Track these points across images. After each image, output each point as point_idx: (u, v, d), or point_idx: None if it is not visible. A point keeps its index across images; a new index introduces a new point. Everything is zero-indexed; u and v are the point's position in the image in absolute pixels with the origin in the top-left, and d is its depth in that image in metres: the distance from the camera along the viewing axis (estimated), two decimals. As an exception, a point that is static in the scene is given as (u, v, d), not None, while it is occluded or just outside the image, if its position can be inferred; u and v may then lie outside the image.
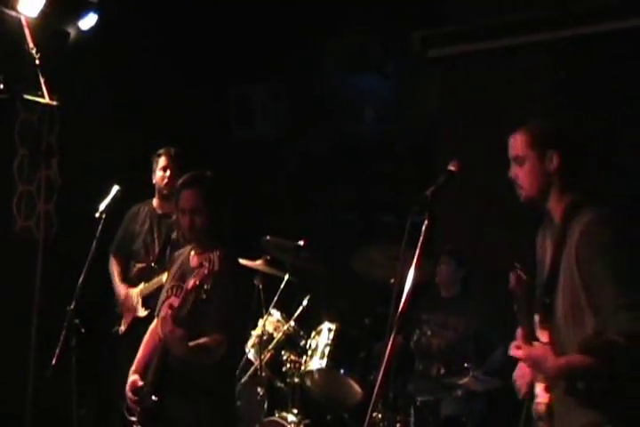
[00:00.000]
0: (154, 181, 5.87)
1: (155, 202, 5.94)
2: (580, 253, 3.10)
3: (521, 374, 3.37)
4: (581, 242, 3.10)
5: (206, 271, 3.95)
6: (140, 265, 5.83)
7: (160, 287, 5.45)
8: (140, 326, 5.67)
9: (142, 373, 4.24)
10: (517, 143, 3.32)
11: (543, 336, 3.15)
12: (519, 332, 3.23)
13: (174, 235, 5.36)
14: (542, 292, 3.22)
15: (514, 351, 3.21)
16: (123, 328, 5.78)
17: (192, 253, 4.32)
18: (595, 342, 3.04)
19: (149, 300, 5.63)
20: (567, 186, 3.27)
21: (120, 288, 5.85)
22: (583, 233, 3.11)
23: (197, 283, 3.91)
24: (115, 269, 5.94)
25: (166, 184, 5.76)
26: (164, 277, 5.34)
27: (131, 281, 5.83)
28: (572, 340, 3.10)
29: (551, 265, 3.22)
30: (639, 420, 3.16)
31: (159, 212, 5.87)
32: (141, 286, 5.72)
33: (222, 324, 4.03)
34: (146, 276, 5.73)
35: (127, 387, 4.20)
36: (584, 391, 3.09)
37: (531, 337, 3.17)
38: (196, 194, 4.17)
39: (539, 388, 3.20)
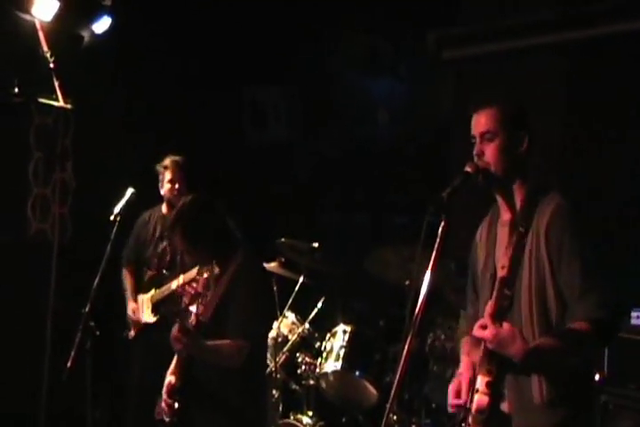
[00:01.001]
0: (162, 192, 5.93)
1: (164, 209, 5.97)
2: (551, 235, 3.04)
3: (455, 385, 3.31)
4: (552, 224, 3.05)
5: (192, 292, 4.11)
6: (151, 273, 5.88)
7: (171, 294, 5.50)
8: (150, 331, 5.72)
9: (178, 375, 4.28)
10: (487, 119, 3.19)
11: (507, 325, 3.01)
12: (488, 309, 3.05)
13: None
14: (503, 283, 3.07)
15: (477, 332, 3.03)
16: (132, 333, 5.84)
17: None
18: (562, 328, 3.00)
19: (160, 306, 5.69)
20: (530, 169, 3.22)
21: (131, 303, 5.89)
22: (553, 215, 3.06)
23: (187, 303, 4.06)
24: (128, 281, 5.99)
25: (176, 196, 5.78)
26: (175, 283, 5.40)
27: (143, 289, 5.89)
28: (535, 330, 3.05)
29: (512, 255, 3.09)
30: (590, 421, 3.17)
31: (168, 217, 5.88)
32: (152, 292, 5.79)
33: (243, 329, 4.06)
34: (157, 282, 5.78)
35: (164, 388, 4.24)
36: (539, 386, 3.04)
37: (500, 316, 3.02)
38: (179, 237, 4.23)
39: (481, 382, 3.06)
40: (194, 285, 4.26)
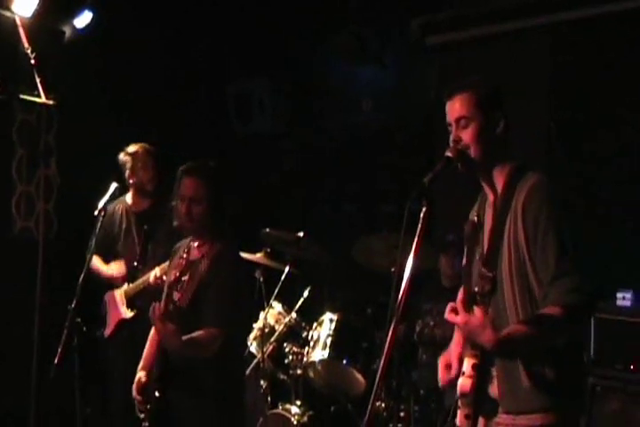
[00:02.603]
0: (130, 180, 5.80)
1: (129, 200, 5.88)
2: (527, 211, 3.00)
3: (444, 359, 3.31)
4: (528, 200, 3.01)
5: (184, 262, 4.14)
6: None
7: (146, 287, 5.44)
8: (126, 327, 5.65)
9: (149, 369, 4.26)
10: (462, 103, 3.15)
11: (478, 311, 2.95)
12: (459, 294, 3.06)
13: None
14: (482, 264, 3.06)
15: (449, 316, 2.98)
16: (108, 331, 5.74)
17: (193, 244, 4.30)
18: (534, 314, 2.97)
19: (135, 301, 5.63)
20: (508, 152, 3.19)
21: (106, 267, 5.76)
22: (530, 193, 3.02)
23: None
24: (97, 261, 5.79)
25: (147, 184, 5.74)
26: (152, 275, 5.34)
27: (116, 283, 5.78)
28: (519, 311, 3.02)
29: (491, 236, 3.11)
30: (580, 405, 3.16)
31: (134, 210, 5.82)
32: (125, 286, 5.68)
33: (217, 317, 4.02)
34: (130, 277, 5.68)
35: (134, 385, 4.21)
36: (527, 370, 3.02)
37: (471, 302, 2.98)
38: (196, 182, 4.14)
39: (467, 364, 3.04)
40: (184, 255, 4.22)
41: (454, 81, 3.27)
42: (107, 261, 5.82)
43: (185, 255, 4.28)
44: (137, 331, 5.48)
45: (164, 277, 5.01)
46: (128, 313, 5.64)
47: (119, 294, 5.71)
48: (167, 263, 5.02)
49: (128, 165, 5.79)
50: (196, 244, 4.28)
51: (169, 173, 4.60)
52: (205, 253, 4.19)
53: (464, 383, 3.05)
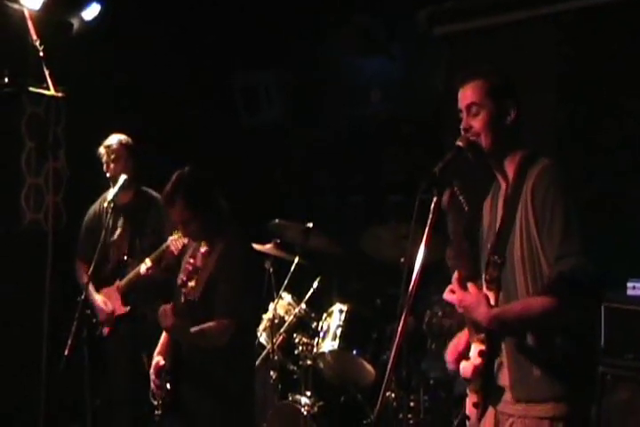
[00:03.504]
0: (108, 174, 5.75)
1: (111, 194, 5.73)
2: (535, 193, 2.99)
3: (454, 343, 3.31)
4: (537, 183, 3.00)
5: (190, 268, 4.10)
6: (111, 264, 5.75)
7: (138, 279, 5.44)
8: (124, 322, 5.65)
9: (165, 355, 4.29)
10: (473, 91, 3.14)
11: (490, 297, 3.00)
12: (455, 274, 3.06)
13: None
14: (492, 251, 3.09)
15: (448, 295, 3.05)
16: (106, 330, 5.71)
17: (199, 246, 4.35)
18: (532, 296, 2.98)
19: (129, 295, 5.64)
20: (520, 140, 3.18)
21: (96, 296, 5.70)
22: (539, 175, 3.01)
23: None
24: (84, 275, 5.66)
25: (121, 173, 5.63)
26: (143, 266, 5.35)
27: (106, 280, 5.74)
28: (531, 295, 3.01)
29: (503, 221, 3.11)
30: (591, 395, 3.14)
31: (117, 203, 5.65)
32: (117, 282, 5.67)
33: (227, 308, 4.07)
34: (119, 273, 5.68)
35: (152, 369, 4.26)
36: (538, 358, 3.01)
37: (466, 280, 3.02)
38: (178, 208, 4.18)
39: (473, 350, 3.07)
40: (190, 261, 4.24)
41: (466, 69, 3.26)
42: (97, 262, 5.49)
43: (192, 260, 4.33)
44: (134, 325, 5.51)
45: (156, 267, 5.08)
46: (123, 309, 5.64)
47: (112, 290, 5.68)
48: (157, 252, 5.11)
49: (104, 159, 5.75)
50: (202, 245, 4.33)
51: (176, 166, 4.63)
52: (212, 249, 4.24)
53: (466, 368, 3.08)
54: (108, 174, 5.76)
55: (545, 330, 3.00)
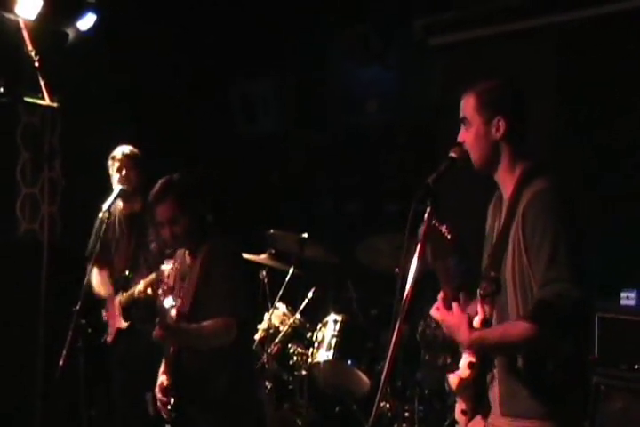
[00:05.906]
0: (114, 184, 5.68)
1: (121, 204, 5.77)
2: (527, 218, 2.96)
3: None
4: (529, 207, 2.96)
5: (165, 288, 4.19)
6: (116, 275, 5.72)
7: (140, 296, 5.42)
8: (123, 337, 5.63)
9: (168, 374, 4.29)
10: (465, 105, 3.14)
11: (482, 312, 2.97)
12: (441, 294, 3.06)
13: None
14: (488, 265, 3.09)
15: (433, 312, 3.06)
16: (110, 338, 5.69)
17: (186, 252, 4.37)
18: (513, 320, 2.97)
19: (129, 310, 5.59)
20: (517, 155, 3.12)
21: (106, 307, 5.70)
22: (532, 199, 2.96)
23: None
24: (102, 281, 5.69)
25: (125, 183, 5.58)
26: (137, 289, 5.33)
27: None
28: (520, 313, 2.98)
29: (498, 238, 3.09)
30: (582, 413, 3.10)
31: (125, 213, 5.72)
32: (120, 296, 5.63)
33: (226, 306, 4.07)
34: (122, 284, 5.63)
35: (157, 388, 4.26)
36: (528, 374, 3.00)
37: (450, 300, 3.02)
38: (166, 206, 4.19)
39: (463, 361, 3.05)
40: (165, 280, 4.25)
41: (463, 82, 3.26)
42: (103, 267, 5.69)
43: (178, 266, 4.35)
44: (132, 342, 5.48)
45: (149, 291, 5.07)
46: (123, 323, 5.59)
47: (117, 302, 5.64)
48: (151, 277, 5.07)
49: (110, 170, 5.71)
50: (187, 253, 4.35)
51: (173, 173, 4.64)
52: (195, 257, 4.25)
53: (452, 380, 3.08)
54: (114, 185, 5.72)
55: (528, 355, 3.00)
